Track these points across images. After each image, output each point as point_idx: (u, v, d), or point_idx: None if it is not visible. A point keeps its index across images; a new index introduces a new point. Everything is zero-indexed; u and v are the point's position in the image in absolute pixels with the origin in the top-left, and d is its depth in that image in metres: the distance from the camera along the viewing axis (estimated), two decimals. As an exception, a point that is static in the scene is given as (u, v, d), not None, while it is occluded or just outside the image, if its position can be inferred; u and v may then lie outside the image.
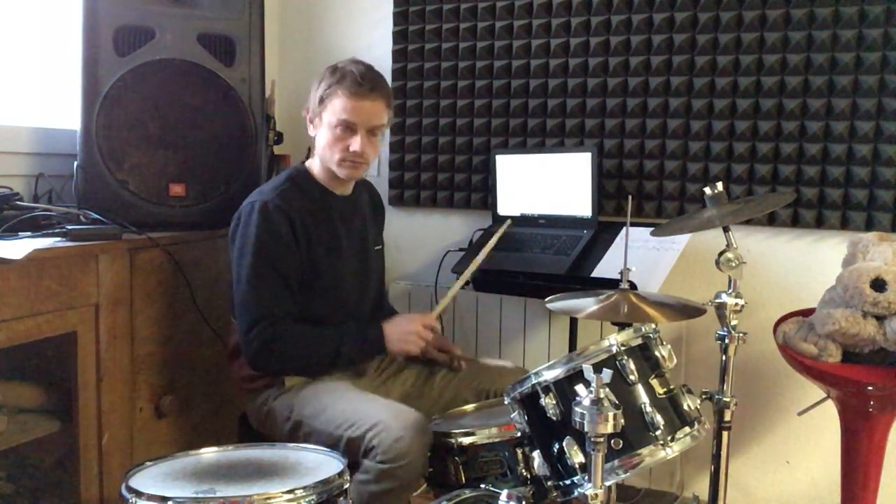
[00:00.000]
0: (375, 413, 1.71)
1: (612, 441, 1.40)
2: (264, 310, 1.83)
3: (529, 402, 1.55)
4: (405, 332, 1.92)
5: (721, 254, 1.71)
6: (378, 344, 1.91)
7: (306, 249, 1.89)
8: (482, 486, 1.65)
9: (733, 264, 1.69)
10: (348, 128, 1.86)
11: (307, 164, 2.01)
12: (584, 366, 1.39)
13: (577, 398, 1.33)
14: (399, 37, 2.83)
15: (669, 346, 1.58)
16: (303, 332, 1.87)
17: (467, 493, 1.57)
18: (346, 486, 1.47)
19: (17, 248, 1.65)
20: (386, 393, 2.05)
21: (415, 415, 1.72)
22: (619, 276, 1.68)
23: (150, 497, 1.37)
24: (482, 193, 2.75)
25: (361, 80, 1.83)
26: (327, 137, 1.88)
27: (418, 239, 2.89)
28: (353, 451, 1.69)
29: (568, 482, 1.48)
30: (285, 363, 1.87)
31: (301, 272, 1.89)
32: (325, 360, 1.89)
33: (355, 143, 1.86)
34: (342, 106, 1.84)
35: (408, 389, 2.08)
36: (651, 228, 2.00)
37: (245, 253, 1.85)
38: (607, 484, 1.43)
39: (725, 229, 1.74)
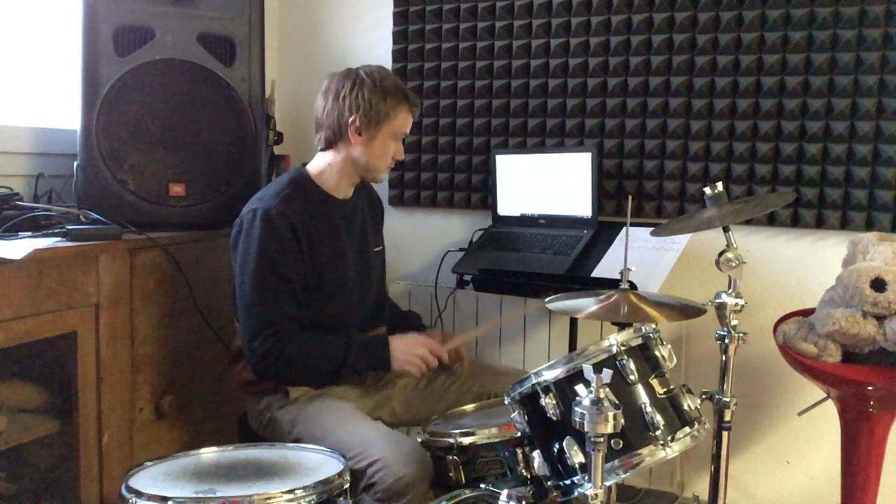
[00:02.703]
0: (377, 447, 1.70)
1: (612, 441, 1.40)
2: (269, 318, 1.83)
3: (529, 402, 1.55)
4: (412, 354, 1.91)
5: (721, 254, 1.70)
6: (383, 360, 1.91)
7: (309, 254, 1.89)
8: (482, 486, 1.65)
9: (733, 264, 1.69)
10: (399, 138, 1.99)
11: (308, 167, 2.01)
12: (584, 366, 1.39)
13: (577, 398, 1.33)
14: (399, 37, 2.83)
15: (669, 346, 1.58)
16: (307, 342, 1.87)
17: (467, 493, 1.58)
18: (346, 486, 1.47)
19: (17, 248, 1.65)
20: (387, 399, 2.05)
21: (416, 449, 1.71)
22: (619, 276, 1.68)
23: (150, 497, 1.37)
24: (482, 193, 2.75)
25: (414, 96, 1.99)
26: (385, 148, 1.96)
27: (418, 239, 2.89)
28: (353, 478, 1.67)
29: (568, 482, 1.48)
30: (289, 372, 1.87)
31: (304, 277, 1.89)
32: (329, 371, 1.88)
33: (401, 151, 2.01)
34: (407, 121, 1.98)
35: (408, 394, 2.08)
36: (651, 228, 1.99)
37: (248, 260, 1.85)
38: (607, 484, 1.43)
39: (725, 229, 1.74)
